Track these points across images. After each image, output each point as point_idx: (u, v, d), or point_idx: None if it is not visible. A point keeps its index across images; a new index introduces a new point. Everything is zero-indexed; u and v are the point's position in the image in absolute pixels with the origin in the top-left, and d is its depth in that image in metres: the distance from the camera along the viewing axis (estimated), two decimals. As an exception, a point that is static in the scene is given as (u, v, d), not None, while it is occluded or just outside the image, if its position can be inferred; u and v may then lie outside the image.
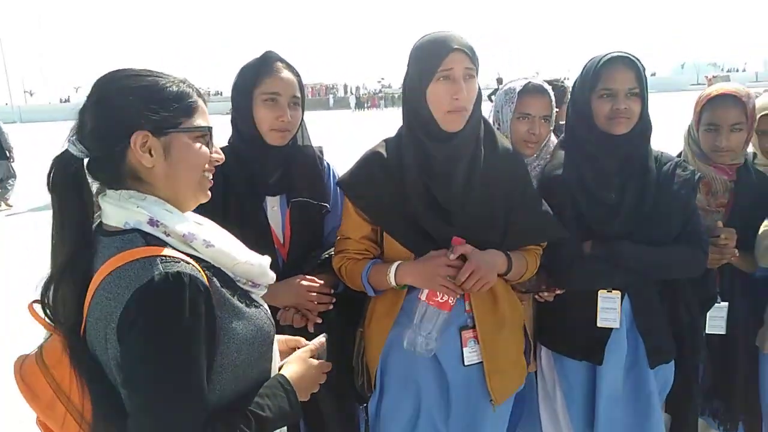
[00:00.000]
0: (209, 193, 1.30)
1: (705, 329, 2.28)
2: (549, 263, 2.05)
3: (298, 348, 1.44)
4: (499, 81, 18.72)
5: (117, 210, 1.18)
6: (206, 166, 1.27)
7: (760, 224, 2.25)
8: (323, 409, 1.95)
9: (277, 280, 1.42)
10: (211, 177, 1.29)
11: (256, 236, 1.79)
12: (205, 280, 1.14)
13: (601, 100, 2.03)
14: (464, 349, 1.85)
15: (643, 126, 2.05)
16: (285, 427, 1.32)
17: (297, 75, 2.03)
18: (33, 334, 1.25)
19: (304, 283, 1.95)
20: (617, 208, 2.05)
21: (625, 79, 2.00)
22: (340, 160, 2.26)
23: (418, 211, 1.83)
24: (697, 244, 2.08)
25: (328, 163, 2.19)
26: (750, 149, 2.43)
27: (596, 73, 2.03)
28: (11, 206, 11.08)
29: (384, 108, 51.30)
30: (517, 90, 2.29)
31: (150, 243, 1.14)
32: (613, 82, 2.00)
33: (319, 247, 2.09)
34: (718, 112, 2.25)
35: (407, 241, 1.86)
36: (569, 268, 2.06)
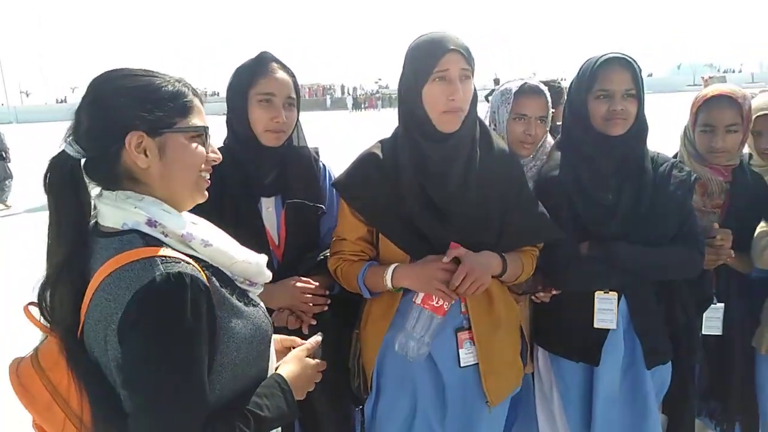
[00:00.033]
0: (206, 193, 1.30)
1: (701, 330, 2.28)
2: (545, 264, 2.05)
3: (294, 347, 1.43)
4: (496, 82, 18.75)
5: (114, 211, 1.17)
6: (202, 166, 1.25)
7: (756, 225, 2.26)
8: (318, 409, 1.94)
9: (272, 281, 1.42)
10: (208, 177, 1.28)
11: (250, 237, 1.77)
12: (205, 279, 1.13)
13: (598, 101, 2.02)
14: (460, 350, 1.85)
15: (640, 127, 2.05)
16: (279, 428, 1.31)
17: (292, 76, 2.02)
18: (32, 335, 1.24)
19: (299, 284, 1.94)
20: (614, 209, 2.04)
21: (621, 80, 2.00)
22: (337, 161, 2.25)
23: (414, 211, 1.83)
24: (693, 245, 2.08)
25: (323, 164, 2.18)
26: (745, 150, 2.43)
27: (593, 74, 2.02)
28: (9, 207, 11.06)
29: (381, 109, 51.27)
30: (513, 91, 2.29)
31: (149, 243, 1.14)
32: (609, 83, 2.00)
33: (314, 248, 2.09)
34: (714, 113, 2.25)
35: (403, 242, 1.86)
36: (566, 269, 2.06)
